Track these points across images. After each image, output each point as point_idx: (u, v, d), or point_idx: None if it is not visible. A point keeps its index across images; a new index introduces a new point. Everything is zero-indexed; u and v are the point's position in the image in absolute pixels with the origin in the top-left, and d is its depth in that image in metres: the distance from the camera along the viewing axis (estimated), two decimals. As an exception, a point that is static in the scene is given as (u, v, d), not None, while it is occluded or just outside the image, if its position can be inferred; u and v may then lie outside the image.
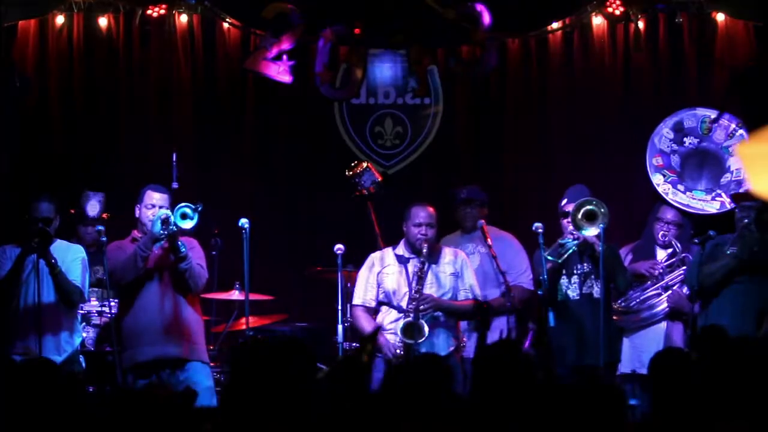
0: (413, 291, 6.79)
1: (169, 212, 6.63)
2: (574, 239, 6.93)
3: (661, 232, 7.60)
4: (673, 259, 7.54)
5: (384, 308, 6.95)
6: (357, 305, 6.98)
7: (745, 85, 8.55)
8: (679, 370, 4.26)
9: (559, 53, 8.86)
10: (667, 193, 8.13)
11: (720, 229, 7.24)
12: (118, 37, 8.69)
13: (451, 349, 6.89)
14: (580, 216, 6.78)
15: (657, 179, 8.22)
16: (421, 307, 6.75)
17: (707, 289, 7.04)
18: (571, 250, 6.87)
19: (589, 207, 6.79)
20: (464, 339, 7.26)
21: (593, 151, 8.74)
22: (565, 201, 7.11)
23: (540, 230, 6.94)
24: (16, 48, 8.47)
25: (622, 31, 8.81)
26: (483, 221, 7.52)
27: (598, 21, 8.80)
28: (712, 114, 8.30)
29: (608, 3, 8.67)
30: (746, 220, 6.99)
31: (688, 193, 8.20)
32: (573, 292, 6.96)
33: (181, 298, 6.73)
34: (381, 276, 6.95)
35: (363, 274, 7.00)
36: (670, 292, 7.49)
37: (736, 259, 6.94)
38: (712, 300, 7.06)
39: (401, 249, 7.01)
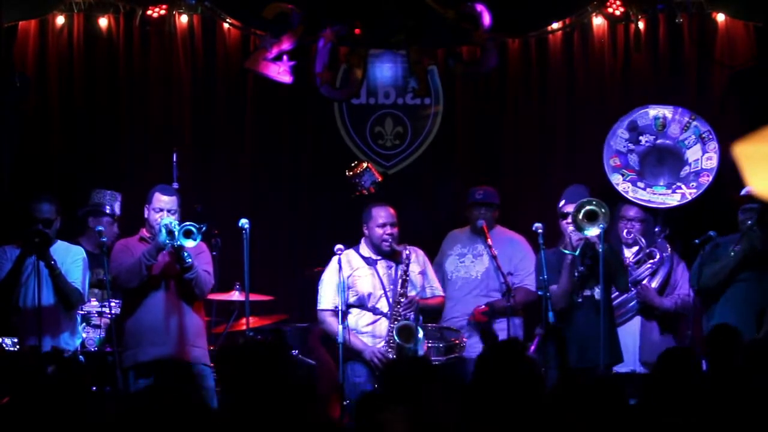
0: (397, 295, 6.81)
1: (174, 221, 6.61)
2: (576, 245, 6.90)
3: (625, 230, 7.66)
4: (640, 255, 7.57)
5: (355, 311, 6.96)
6: (326, 309, 6.97)
7: (745, 85, 8.56)
8: (687, 369, 4.26)
9: (559, 53, 8.86)
10: (627, 192, 8.17)
11: (688, 222, 7.29)
12: (119, 37, 8.69)
13: (429, 345, 6.97)
14: (581, 216, 6.77)
15: (616, 179, 8.25)
16: (404, 310, 6.79)
17: (709, 289, 7.06)
18: (581, 246, 6.86)
19: (589, 207, 6.78)
20: (464, 338, 7.27)
21: (593, 151, 8.74)
22: (563, 202, 7.11)
23: (540, 230, 6.94)
24: (16, 48, 8.47)
25: (622, 31, 8.82)
26: (483, 221, 7.54)
27: (598, 21, 8.81)
28: (665, 110, 8.34)
29: (608, 3, 8.68)
30: (749, 222, 7.00)
31: (648, 189, 8.24)
32: (574, 294, 6.96)
33: (185, 303, 6.75)
34: (352, 279, 6.95)
35: (330, 278, 6.97)
36: (638, 287, 7.52)
37: (739, 260, 6.95)
38: (715, 299, 7.07)
39: (365, 250, 7.02)
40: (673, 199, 8.20)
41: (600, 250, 6.73)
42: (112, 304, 7.18)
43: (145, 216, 6.85)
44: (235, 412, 3.86)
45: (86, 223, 7.78)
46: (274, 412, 3.71)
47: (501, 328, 7.37)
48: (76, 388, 4.09)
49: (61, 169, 8.46)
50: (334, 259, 6.97)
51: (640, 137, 8.38)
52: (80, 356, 7.10)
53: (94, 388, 6.75)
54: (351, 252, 7.07)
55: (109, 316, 7.16)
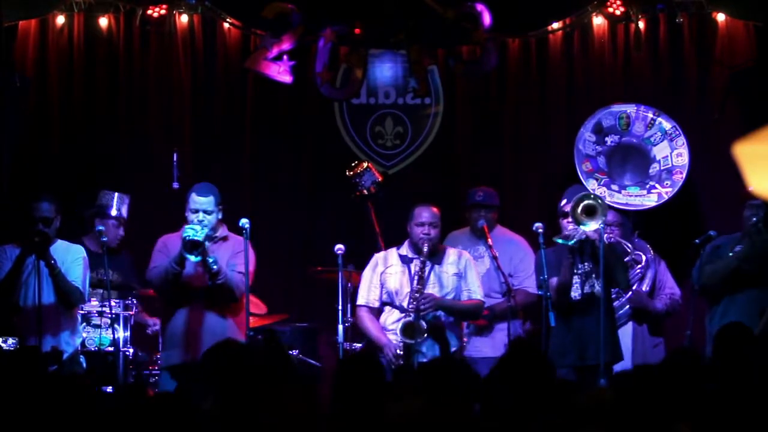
0: (413, 290, 6.79)
1: (195, 230, 6.56)
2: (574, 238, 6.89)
3: (605, 236, 7.60)
4: (626, 258, 7.55)
5: (387, 308, 6.96)
6: (361, 305, 6.98)
7: (745, 85, 8.56)
8: (695, 370, 4.25)
9: (559, 53, 8.86)
10: (604, 197, 8.13)
11: (658, 221, 7.29)
12: (119, 37, 8.69)
13: (455, 349, 6.90)
14: (579, 211, 6.75)
15: (591, 185, 8.23)
16: (422, 306, 6.74)
17: (710, 288, 7.04)
18: (578, 238, 6.83)
19: (587, 201, 6.76)
20: (464, 339, 7.27)
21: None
22: (564, 201, 7.10)
23: (540, 230, 6.93)
24: (16, 48, 8.46)
25: (622, 31, 8.82)
26: (484, 222, 7.54)
27: (598, 21, 8.81)
28: (628, 108, 8.34)
29: (608, 3, 8.68)
30: (754, 219, 6.99)
31: (623, 191, 8.24)
32: (574, 292, 6.95)
33: (217, 309, 6.71)
34: (384, 276, 6.94)
35: (367, 274, 7.00)
36: (629, 293, 7.52)
37: (741, 258, 6.94)
38: (718, 300, 7.07)
39: (405, 249, 7.00)
40: (650, 200, 8.23)
41: (600, 246, 6.71)
42: (113, 303, 7.19)
43: (186, 215, 6.82)
44: (229, 413, 3.86)
45: (93, 223, 7.78)
46: (269, 413, 3.71)
47: (501, 329, 7.37)
48: (75, 388, 4.08)
49: (61, 169, 8.46)
50: (375, 255, 7.00)
51: (606, 138, 8.39)
52: (81, 356, 7.11)
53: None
54: (391, 250, 7.04)
55: (110, 315, 7.17)
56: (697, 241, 7.06)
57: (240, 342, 6.00)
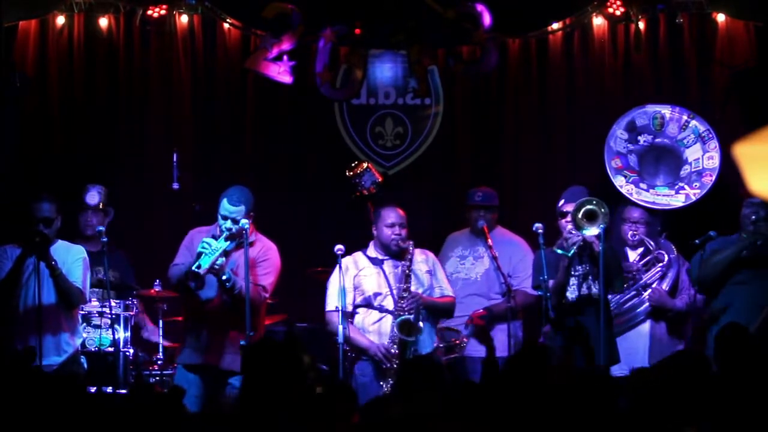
0: (401, 290, 6.82)
1: (206, 248, 6.56)
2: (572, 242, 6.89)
3: (630, 232, 7.62)
4: (648, 257, 7.55)
5: (362, 310, 6.96)
6: (332, 311, 6.97)
7: (745, 85, 8.56)
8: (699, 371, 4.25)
9: (559, 53, 8.86)
10: (631, 194, 8.15)
11: (688, 222, 7.28)
12: (119, 37, 8.69)
13: (435, 345, 6.97)
14: (580, 216, 6.77)
15: (619, 181, 8.23)
16: (410, 305, 6.78)
17: (709, 281, 7.03)
18: (576, 246, 6.84)
19: (589, 207, 6.77)
20: (464, 339, 7.27)
21: (593, 152, 8.74)
22: (562, 202, 7.12)
23: (540, 231, 6.94)
24: (16, 48, 8.46)
25: (622, 31, 8.81)
26: (484, 222, 7.54)
27: (598, 21, 8.81)
28: (663, 109, 8.32)
29: (608, 3, 8.67)
30: (753, 217, 6.99)
31: (651, 190, 8.23)
32: (571, 294, 6.96)
33: (232, 314, 6.71)
34: (358, 279, 6.96)
35: (334, 280, 6.97)
36: (649, 290, 7.50)
37: (739, 250, 6.94)
38: (717, 295, 7.06)
39: (373, 251, 7.04)
40: (677, 200, 8.19)
41: (599, 250, 6.72)
42: (113, 304, 7.19)
43: (217, 216, 6.83)
44: (252, 409, 3.87)
45: (79, 222, 7.78)
46: (292, 410, 3.73)
47: (501, 329, 7.37)
48: (75, 389, 4.09)
49: (61, 169, 8.45)
50: (341, 260, 6.97)
51: (639, 137, 8.38)
52: (81, 356, 7.11)
53: (94, 389, 6.78)
54: (358, 254, 7.08)
55: (110, 315, 7.17)
56: (696, 241, 7.07)
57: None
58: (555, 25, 8.82)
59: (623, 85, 8.85)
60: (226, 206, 6.75)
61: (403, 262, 6.91)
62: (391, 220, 6.97)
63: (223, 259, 6.61)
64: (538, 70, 8.91)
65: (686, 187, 8.22)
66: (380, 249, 7.02)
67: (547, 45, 8.88)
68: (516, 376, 4.18)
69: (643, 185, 8.23)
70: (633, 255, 7.61)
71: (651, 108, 8.40)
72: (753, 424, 4.10)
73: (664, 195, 8.20)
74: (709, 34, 8.75)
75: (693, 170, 8.28)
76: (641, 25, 8.78)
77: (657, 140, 8.37)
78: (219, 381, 6.71)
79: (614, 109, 8.76)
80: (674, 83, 8.79)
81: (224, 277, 6.61)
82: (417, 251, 7.04)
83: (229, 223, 6.71)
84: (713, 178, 8.19)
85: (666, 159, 8.37)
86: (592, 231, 6.74)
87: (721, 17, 8.71)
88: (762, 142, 7.42)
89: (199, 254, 6.57)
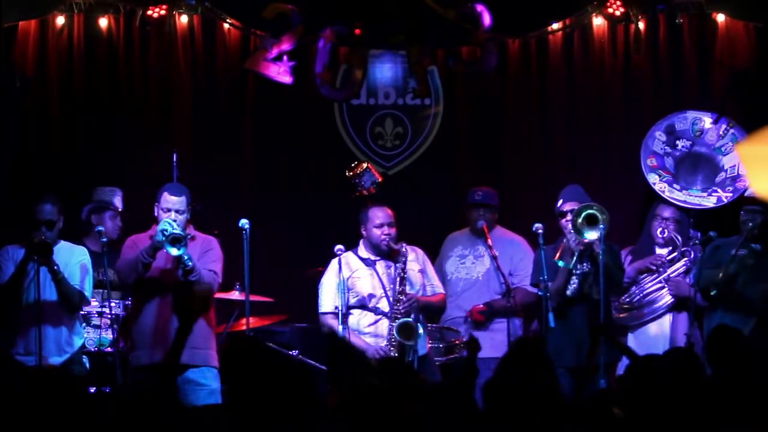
0: (397, 292, 6.82)
1: (172, 225, 6.57)
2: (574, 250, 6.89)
3: (659, 229, 7.62)
4: (675, 254, 7.55)
5: (356, 312, 6.96)
6: (327, 312, 6.97)
7: (745, 86, 8.56)
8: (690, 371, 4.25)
9: (559, 53, 8.86)
10: (663, 191, 8.14)
11: (720, 225, 7.26)
12: (119, 37, 8.68)
13: (429, 345, 6.98)
14: (580, 220, 6.80)
15: (653, 179, 8.23)
16: (407, 307, 6.79)
17: (708, 293, 7.04)
18: (577, 252, 6.87)
19: (590, 212, 6.82)
20: (464, 339, 7.27)
21: (593, 151, 8.76)
22: (560, 201, 7.14)
23: (540, 231, 6.96)
24: (16, 48, 8.46)
25: (622, 31, 8.81)
26: (483, 222, 7.55)
27: (598, 22, 8.80)
28: (703, 116, 8.31)
29: (608, 3, 8.67)
30: (750, 224, 7.00)
31: (684, 191, 8.21)
32: (572, 293, 6.97)
33: (186, 306, 6.68)
34: (352, 280, 6.96)
35: (330, 280, 6.97)
36: (669, 282, 7.50)
37: (737, 268, 6.95)
38: (715, 305, 7.06)
39: (364, 252, 7.04)
40: (708, 201, 8.16)
41: (598, 251, 6.75)
42: (113, 304, 7.19)
43: (155, 214, 6.82)
44: (237, 410, 3.86)
45: (90, 222, 7.77)
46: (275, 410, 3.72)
47: (501, 329, 7.37)
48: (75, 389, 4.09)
49: (61, 169, 8.45)
50: (333, 261, 6.97)
51: (677, 141, 8.34)
52: (83, 356, 7.11)
53: (94, 389, 6.78)
54: (349, 254, 7.07)
55: (110, 316, 7.17)
56: (697, 242, 7.08)
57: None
58: (555, 25, 8.83)
59: (623, 85, 8.84)
60: (168, 198, 6.74)
61: (397, 265, 6.90)
62: (379, 221, 6.97)
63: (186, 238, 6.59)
64: (538, 70, 8.91)
65: (719, 190, 8.19)
66: (371, 249, 7.02)
67: (547, 45, 8.88)
68: (512, 376, 4.18)
69: (676, 185, 8.22)
70: (663, 252, 7.59)
71: (692, 114, 8.35)
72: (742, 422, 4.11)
73: (695, 195, 8.18)
74: (709, 35, 8.75)
75: (728, 176, 8.25)
76: (641, 25, 8.78)
77: (695, 147, 8.34)
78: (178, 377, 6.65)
79: (614, 110, 8.77)
80: (674, 83, 8.79)
81: (185, 256, 6.53)
82: (408, 249, 7.02)
83: (173, 215, 6.67)
84: (747, 183, 8.17)
85: (703, 167, 8.35)
86: (592, 235, 6.79)
87: (720, 18, 8.71)
88: (762, 142, 7.41)
89: (163, 231, 6.54)
